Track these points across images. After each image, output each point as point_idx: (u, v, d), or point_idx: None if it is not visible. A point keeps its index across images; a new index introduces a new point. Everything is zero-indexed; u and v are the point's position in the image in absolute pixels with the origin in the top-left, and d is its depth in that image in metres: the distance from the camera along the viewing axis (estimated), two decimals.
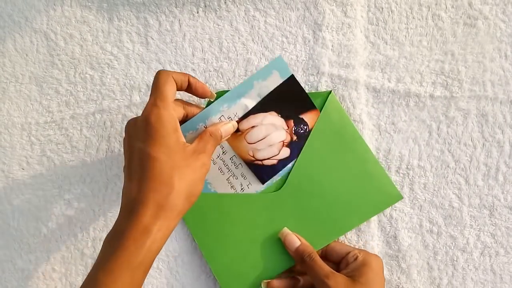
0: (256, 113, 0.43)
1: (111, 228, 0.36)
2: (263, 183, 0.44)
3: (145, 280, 0.46)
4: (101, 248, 0.35)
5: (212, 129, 0.40)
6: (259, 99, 0.42)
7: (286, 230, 0.44)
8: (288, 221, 0.44)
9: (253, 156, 0.44)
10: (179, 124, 0.37)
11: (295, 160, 0.44)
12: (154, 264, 0.46)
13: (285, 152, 0.44)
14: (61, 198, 0.47)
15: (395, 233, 0.46)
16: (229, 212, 0.45)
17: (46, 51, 0.47)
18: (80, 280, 0.47)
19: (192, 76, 0.40)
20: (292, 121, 0.44)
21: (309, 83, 0.46)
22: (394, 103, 0.46)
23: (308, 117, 0.44)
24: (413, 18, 0.47)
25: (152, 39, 0.47)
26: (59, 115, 0.47)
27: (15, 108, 0.47)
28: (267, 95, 0.42)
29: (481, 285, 0.46)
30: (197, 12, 0.47)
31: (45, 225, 0.47)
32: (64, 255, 0.47)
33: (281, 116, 0.43)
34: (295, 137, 0.44)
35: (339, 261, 0.43)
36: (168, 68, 0.47)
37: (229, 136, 0.42)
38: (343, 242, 0.45)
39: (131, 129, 0.38)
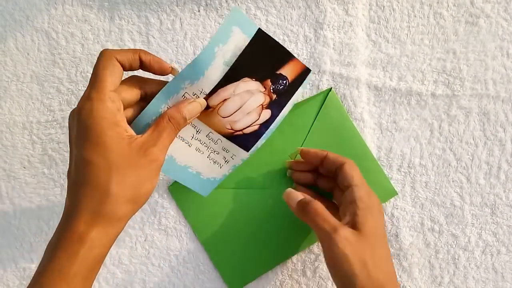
0: (226, 84, 0.36)
1: None
2: (247, 151, 0.41)
3: (147, 278, 0.46)
4: (41, 259, 0.33)
5: (173, 111, 0.34)
6: (226, 69, 0.35)
7: (289, 189, 0.41)
8: (287, 215, 0.45)
9: (232, 129, 0.39)
10: (120, 116, 0.32)
11: (276, 118, 0.40)
12: (156, 262, 0.46)
13: (266, 115, 0.39)
14: (62, 196, 0.47)
15: (397, 232, 0.46)
16: (230, 207, 0.45)
17: (47, 50, 0.47)
18: None
19: (145, 51, 0.35)
20: (269, 80, 0.38)
21: (311, 82, 0.46)
22: (396, 101, 0.46)
23: (287, 70, 0.38)
24: (415, 16, 0.47)
25: (153, 38, 0.47)
26: (61, 114, 0.47)
27: (16, 107, 0.47)
28: (236, 61, 0.35)
29: (482, 284, 0.46)
30: (198, 11, 0.47)
31: (47, 223, 0.47)
32: None
33: (256, 79, 0.37)
34: (274, 96, 0.39)
35: (334, 171, 0.40)
36: None
37: (197, 115, 0.37)
38: None
39: (71, 123, 0.34)
